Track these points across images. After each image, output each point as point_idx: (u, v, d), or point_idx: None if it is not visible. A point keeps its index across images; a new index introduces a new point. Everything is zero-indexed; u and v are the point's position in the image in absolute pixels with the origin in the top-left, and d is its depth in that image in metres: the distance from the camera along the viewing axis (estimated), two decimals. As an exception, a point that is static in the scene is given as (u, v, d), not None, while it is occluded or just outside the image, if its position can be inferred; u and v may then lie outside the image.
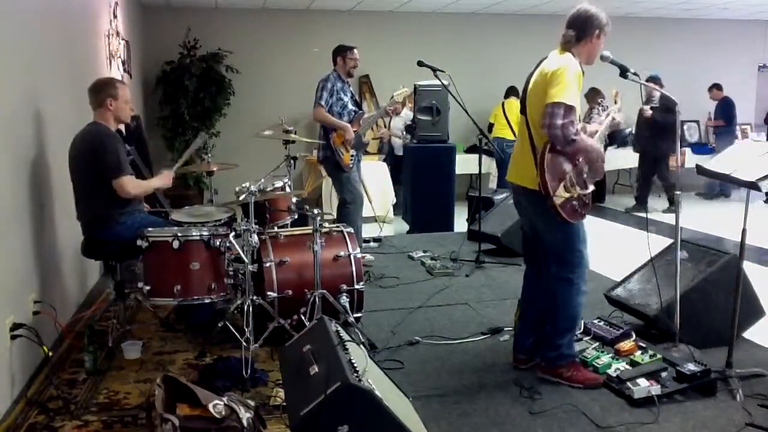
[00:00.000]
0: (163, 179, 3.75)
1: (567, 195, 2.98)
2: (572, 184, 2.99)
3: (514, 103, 8.41)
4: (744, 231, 3.14)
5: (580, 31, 3.05)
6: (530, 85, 3.12)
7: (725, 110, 9.00)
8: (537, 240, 3.27)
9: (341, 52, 5.23)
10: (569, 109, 2.87)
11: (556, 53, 3.08)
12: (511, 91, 8.59)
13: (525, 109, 3.14)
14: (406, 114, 7.97)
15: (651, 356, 3.23)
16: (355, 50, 5.23)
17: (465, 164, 8.27)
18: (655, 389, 2.97)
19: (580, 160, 3.04)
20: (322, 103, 5.08)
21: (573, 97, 2.90)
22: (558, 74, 2.92)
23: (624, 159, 9.41)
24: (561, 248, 3.13)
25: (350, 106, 5.23)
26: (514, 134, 7.60)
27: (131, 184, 3.51)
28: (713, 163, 3.28)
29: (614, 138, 8.77)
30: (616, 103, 3.42)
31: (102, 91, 3.55)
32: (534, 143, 3.05)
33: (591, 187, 3.09)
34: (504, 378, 3.28)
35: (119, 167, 3.44)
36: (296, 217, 4.26)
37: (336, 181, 5.34)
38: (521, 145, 3.17)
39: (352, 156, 5.23)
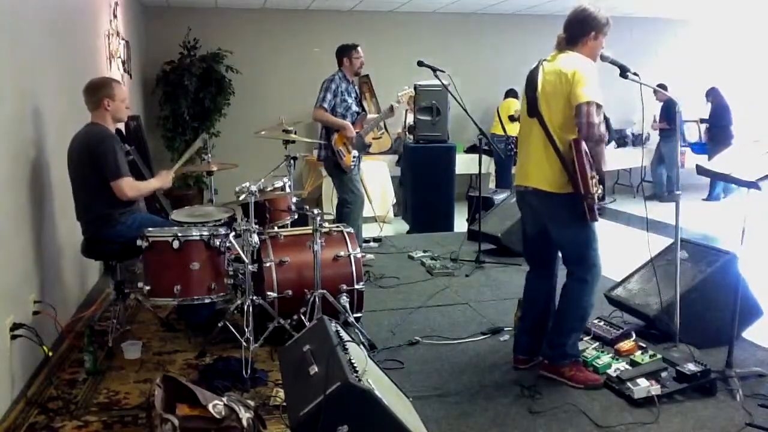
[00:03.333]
0: (162, 180, 3.74)
1: (597, 192, 2.99)
2: (596, 182, 3.01)
3: (511, 103, 8.43)
4: (743, 231, 3.14)
5: (574, 33, 3.05)
6: (542, 87, 3.04)
7: (669, 112, 8.92)
8: (543, 243, 3.24)
9: (346, 52, 5.19)
10: (599, 108, 2.89)
11: (557, 54, 3.08)
12: (509, 94, 8.61)
13: (536, 112, 3.05)
14: None
15: (651, 356, 3.23)
16: (359, 48, 5.22)
17: (465, 164, 8.28)
18: (655, 389, 2.97)
19: (595, 161, 3.04)
20: (325, 105, 5.07)
21: (599, 95, 2.90)
22: (580, 74, 2.91)
23: (624, 159, 9.44)
24: (580, 249, 3.11)
25: (354, 108, 5.22)
26: (504, 130, 7.67)
27: (129, 187, 3.49)
28: (713, 162, 3.28)
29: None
30: None
31: (98, 91, 3.54)
32: (557, 146, 2.98)
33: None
34: (504, 378, 3.28)
35: (117, 169, 3.43)
36: (296, 217, 4.26)
37: (337, 180, 5.34)
38: (536, 148, 3.07)
39: (354, 157, 5.23)
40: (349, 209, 5.25)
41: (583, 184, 2.92)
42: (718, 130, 8.80)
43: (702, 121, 9.13)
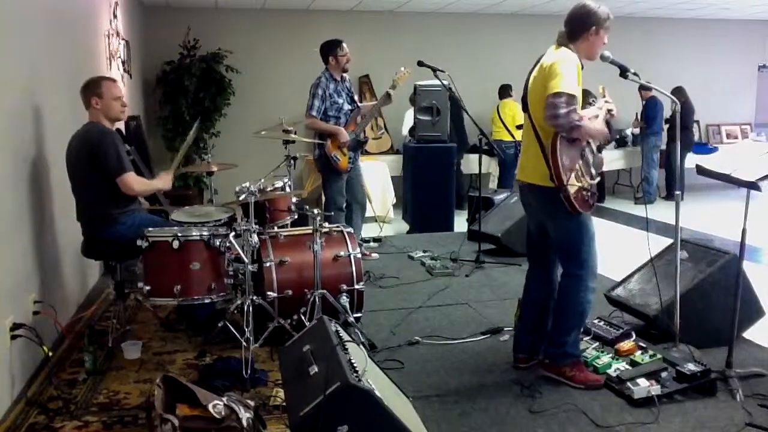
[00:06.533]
0: (163, 181, 3.76)
1: (579, 184, 3.00)
2: (582, 173, 3.02)
3: (509, 104, 8.37)
4: (744, 231, 3.14)
5: (575, 28, 3.07)
6: (530, 83, 3.14)
7: (646, 111, 8.76)
8: (543, 239, 3.27)
9: (331, 50, 5.13)
10: (570, 98, 2.89)
11: (552, 49, 3.11)
12: (504, 91, 8.52)
13: (527, 108, 3.15)
14: None
15: (651, 356, 3.23)
16: (344, 44, 5.15)
17: (465, 164, 8.26)
18: (655, 389, 2.97)
19: (586, 150, 3.05)
20: (313, 113, 5.05)
21: (573, 86, 2.91)
22: (555, 66, 2.94)
23: (624, 159, 9.44)
24: (571, 244, 3.13)
25: (346, 107, 5.19)
26: (511, 135, 7.63)
27: (136, 181, 3.51)
28: (713, 162, 3.28)
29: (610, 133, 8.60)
30: (604, 96, 3.41)
31: (86, 91, 3.56)
32: (541, 139, 3.05)
33: (597, 178, 3.11)
34: (504, 378, 3.28)
35: (121, 165, 3.44)
36: (296, 217, 4.26)
37: (326, 182, 5.33)
38: (528, 144, 3.17)
39: (350, 159, 5.22)
40: (331, 210, 5.23)
41: (555, 175, 2.95)
42: (683, 132, 8.45)
43: (666, 121, 8.96)
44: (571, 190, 2.96)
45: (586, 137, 3.05)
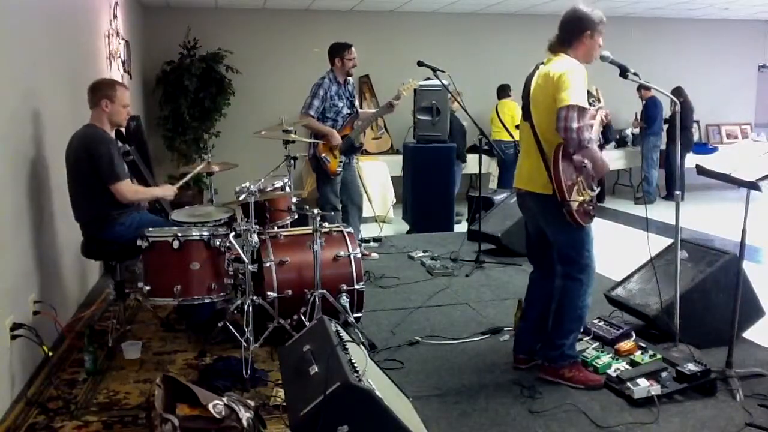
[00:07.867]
0: (165, 190, 3.77)
1: (581, 199, 2.98)
2: (584, 187, 3.00)
3: (507, 104, 8.35)
4: (744, 231, 3.14)
5: (568, 34, 3.04)
6: (533, 90, 3.09)
7: (647, 111, 8.73)
8: (543, 242, 3.26)
9: (339, 52, 5.15)
10: (582, 111, 2.87)
11: (552, 56, 3.07)
12: (503, 91, 8.49)
13: (529, 116, 3.10)
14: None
15: (651, 356, 3.23)
16: (353, 48, 5.17)
17: (465, 164, 8.24)
18: (655, 389, 2.97)
19: (587, 163, 3.03)
20: (311, 112, 5.06)
21: (583, 99, 2.89)
22: (565, 77, 2.90)
23: (624, 159, 9.45)
24: (572, 250, 3.12)
25: (345, 111, 5.19)
26: (511, 135, 7.61)
27: (129, 190, 3.51)
28: (713, 162, 3.28)
29: (607, 135, 8.56)
30: (599, 101, 3.40)
31: (99, 91, 3.54)
32: (543, 148, 3.02)
33: (597, 189, 3.11)
34: (504, 378, 3.28)
35: (115, 173, 3.43)
36: (296, 217, 4.26)
37: (319, 182, 5.34)
38: (528, 151, 3.13)
39: (340, 162, 5.21)
40: (330, 208, 5.24)
41: (558, 191, 2.94)
42: (682, 132, 8.40)
43: (665, 121, 8.91)
44: (573, 205, 2.95)
45: (589, 159, 3.01)
